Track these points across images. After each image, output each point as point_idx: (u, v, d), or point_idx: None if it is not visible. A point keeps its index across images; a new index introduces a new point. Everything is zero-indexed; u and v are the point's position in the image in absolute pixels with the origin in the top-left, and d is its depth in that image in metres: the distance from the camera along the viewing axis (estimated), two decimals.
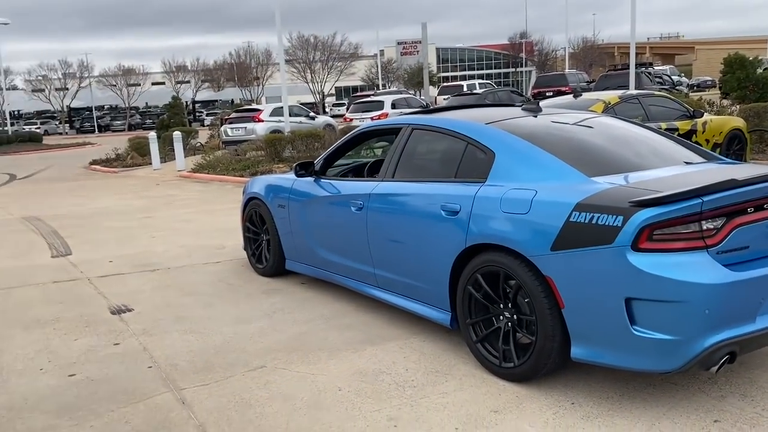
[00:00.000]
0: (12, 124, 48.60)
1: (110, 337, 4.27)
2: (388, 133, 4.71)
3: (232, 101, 61.14)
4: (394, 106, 20.54)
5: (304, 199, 4.99)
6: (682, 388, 3.12)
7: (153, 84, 66.83)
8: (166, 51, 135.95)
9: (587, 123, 4.02)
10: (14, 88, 64.96)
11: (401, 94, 28.90)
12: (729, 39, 71.13)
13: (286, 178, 5.41)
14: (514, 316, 3.27)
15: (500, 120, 3.81)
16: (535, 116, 3.99)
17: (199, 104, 65.02)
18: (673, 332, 2.68)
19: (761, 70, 20.33)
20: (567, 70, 38.50)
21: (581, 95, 9.15)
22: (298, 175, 5.03)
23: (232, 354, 3.89)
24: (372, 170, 5.03)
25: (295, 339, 4.10)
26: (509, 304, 3.29)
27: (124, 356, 3.93)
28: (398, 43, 69.35)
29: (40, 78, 62.74)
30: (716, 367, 2.74)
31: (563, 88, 24.87)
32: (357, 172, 5.23)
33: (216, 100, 67.11)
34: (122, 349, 4.05)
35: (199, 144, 21.56)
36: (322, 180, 4.90)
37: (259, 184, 5.71)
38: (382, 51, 56.82)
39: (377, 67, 55.00)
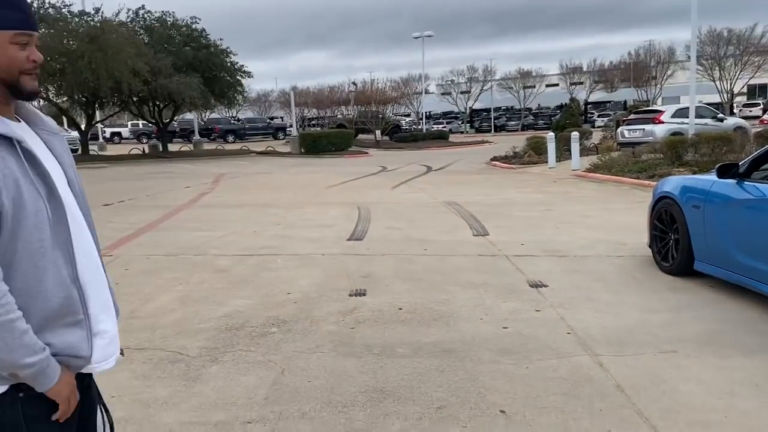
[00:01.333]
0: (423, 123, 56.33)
1: (531, 305, 5.03)
2: None
3: (625, 102, 59.39)
4: None
5: (725, 201, 4.97)
6: None
7: (547, 86, 69.27)
8: (563, 53, 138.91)
9: None
10: (427, 92, 75.06)
11: None
12: None
13: (703, 179, 5.43)
14: None
15: None
16: None
17: (590, 105, 65.00)
18: None
19: None
20: None
21: None
22: (720, 177, 5.03)
23: (641, 336, 4.23)
24: None
25: (704, 334, 4.22)
26: None
27: (544, 321, 4.63)
28: None
29: (448, 82, 70.90)
30: None
31: None
32: None
33: (608, 102, 66.13)
34: (542, 315, 4.76)
35: (592, 145, 21.88)
36: (746, 183, 4.81)
37: (671, 184, 5.84)
38: None
39: None
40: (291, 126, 45.46)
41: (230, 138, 46.71)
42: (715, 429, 2.98)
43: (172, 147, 34.99)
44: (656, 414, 3.13)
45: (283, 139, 47.03)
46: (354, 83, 51.93)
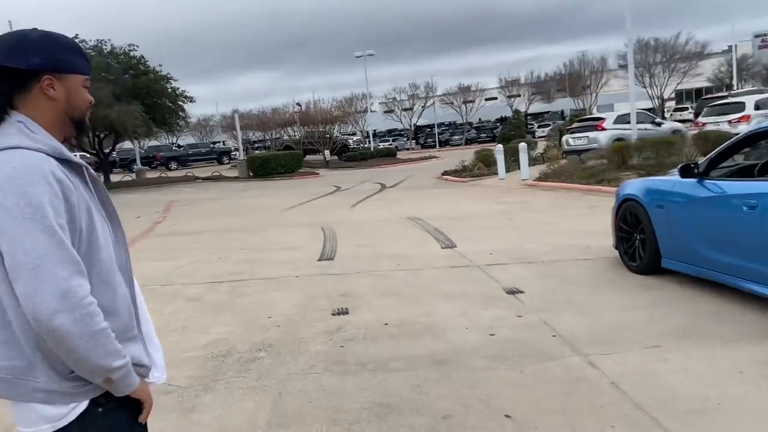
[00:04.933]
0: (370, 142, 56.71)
1: (512, 311, 5.14)
2: None
3: (562, 112, 61.37)
4: (757, 107, 18.50)
5: (687, 199, 5.22)
6: None
7: (486, 99, 70.79)
8: (501, 66, 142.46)
9: None
10: (371, 110, 75.63)
11: (763, 93, 25.65)
12: None
13: (665, 180, 5.70)
14: None
15: None
16: None
17: (529, 117, 66.79)
18: None
19: None
20: None
21: None
22: (683, 177, 5.28)
23: (624, 334, 4.38)
24: (763, 171, 5.01)
25: (683, 328, 4.40)
26: None
27: (529, 326, 4.73)
28: (755, 36, 61.13)
29: (391, 100, 71.63)
30: None
31: None
32: (742, 173, 5.24)
33: (546, 112, 68.14)
34: (525, 321, 4.87)
35: (538, 155, 22.48)
36: (706, 181, 5.07)
37: (634, 187, 6.09)
38: (734, 46, 50.75)
39: (730, 65, 49.45)
40: (236, 150, 44.96)
41: (173, 165, 45.84)
42: (712, 415, 3.13)
43: (113, 177, 34.03)
44: (654, 406, 3.25)
45: (228, 163, 46.47)
46: (298, 104, 51.83)
